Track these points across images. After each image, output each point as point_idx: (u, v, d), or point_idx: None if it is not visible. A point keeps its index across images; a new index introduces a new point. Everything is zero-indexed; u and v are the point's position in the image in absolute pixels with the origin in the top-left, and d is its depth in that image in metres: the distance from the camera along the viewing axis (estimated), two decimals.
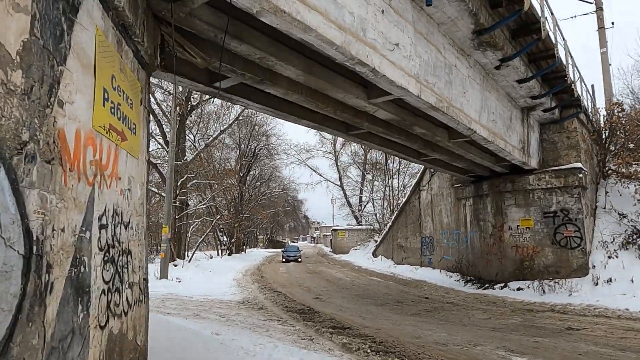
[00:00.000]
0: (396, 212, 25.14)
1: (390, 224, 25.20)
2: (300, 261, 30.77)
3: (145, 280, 4.40)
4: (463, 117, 9.15)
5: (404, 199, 24.05)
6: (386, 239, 25.54)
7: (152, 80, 6.23)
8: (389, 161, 34.31)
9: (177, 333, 6.42)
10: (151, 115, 21.82)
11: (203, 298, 12.03)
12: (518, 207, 13.76)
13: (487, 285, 13.87)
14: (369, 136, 11.21)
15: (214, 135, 25.24)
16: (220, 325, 8.09)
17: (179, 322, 8.04)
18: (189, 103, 20.97)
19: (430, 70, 7.87)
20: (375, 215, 33.75)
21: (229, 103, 27.78)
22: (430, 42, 7.89)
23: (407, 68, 7.08)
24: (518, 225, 13.66)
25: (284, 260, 31.11)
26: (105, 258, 3.08)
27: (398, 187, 33.08)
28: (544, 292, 11.70)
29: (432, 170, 18.69)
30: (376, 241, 29.31)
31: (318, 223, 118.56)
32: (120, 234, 3.44)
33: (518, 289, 12.54)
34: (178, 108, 20.48)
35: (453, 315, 9.54)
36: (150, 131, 24.71)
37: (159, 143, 22.73)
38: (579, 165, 13.18)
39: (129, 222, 3.72)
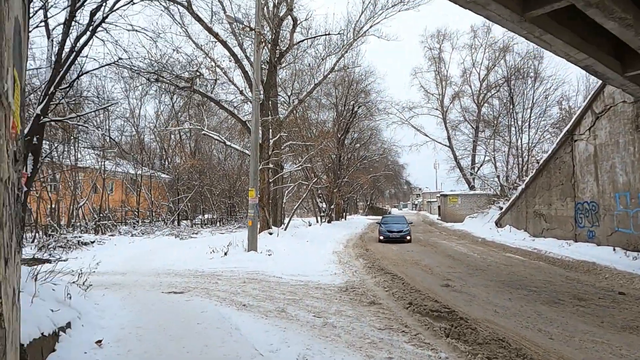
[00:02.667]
0: (532, 172, 20.05)
1: (522, 187, 20.23)
2: (409, 240, 19.16)
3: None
4: None
5: (544, 156, 18.88)
6: (516, 205, 20.67)
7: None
8: (514, 111, 28.40)
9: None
10: (239, 69, 19.66)
11: (295, 280, 9.33)
12: None
13: None
14: None
15: (309, 89, 22.39)
16: (312, 337, 5.15)
17: (249, 327, 5.28)
18: (277, 48, 18.20)
19: None
20: (498, 177, 28.45)
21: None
22: None
23: None
24: None
25: (382, 238, 19.43)
26: None
27: (529, 143, 27.20)
28: None
29: (597, 111, 13.49)
30: (500, 208, 24.43)
31: (419, 189, 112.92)
32: None
33: None
34: (266, 52, 17.87)
35: None
36: (242, 89, 22.86)
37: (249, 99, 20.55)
38: None
39: None
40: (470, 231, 24.47)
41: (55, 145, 20.39)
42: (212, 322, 5.52)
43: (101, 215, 22.86)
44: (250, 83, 19.44)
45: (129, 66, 8.63)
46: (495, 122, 32.74)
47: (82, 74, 6.72)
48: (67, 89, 6.52)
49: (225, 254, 12.27)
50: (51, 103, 6.38)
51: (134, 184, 28.88)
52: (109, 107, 28.28)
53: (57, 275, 5.94)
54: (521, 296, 7.81)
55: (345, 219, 44.99)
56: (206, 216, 33.97)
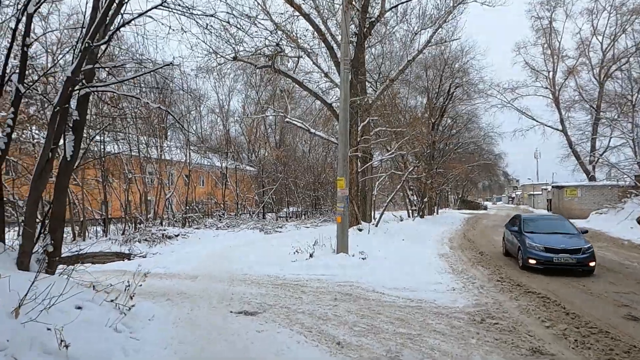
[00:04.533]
0: None
1: None
2: (591, 269, 9.21)
3: None
4: None
5: None
6: None
7: None
8: None
9: None
10: (324, 46, 17.65)
11: (402, 298, 6.98)
12: None
13: None
14: None
15: (402, 67, 19.68)
16: None
17: None
18: (367, 15, 15.78)
19: None
20: (639, 164, 23.08)
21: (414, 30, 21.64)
22: None
23: None
24: None
25: (532, 262, 9.42)
26: None
27: None
28: None
29: None
30: None
31: (516, 181, 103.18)
32: None
33: None
34: (352, 29, 15.59)
35: None
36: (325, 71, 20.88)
37: (333, 82, 18.51)
38: None
39: None
40: (603, 230, 19.94)
41: (136, 136, 20.30)
42: None
43: (187, 207, 22.58)
44: (335, 61, 17.35)
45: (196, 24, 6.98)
46: (627, 99, 26.88)
47: (123, 25, 4.98)
48: (106, 43, 4.83)
49: (311, 255, 10.31)
50: (89, 66, 4.72)
51: (220, 176, 28.63)
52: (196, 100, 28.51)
53: (102, 287, 4.30)
54: None
55: (437, 213, 41.34)
56: (291, 209, 32.92)
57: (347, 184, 10.54)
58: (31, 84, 5.40)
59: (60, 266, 5.86)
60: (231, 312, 5.96)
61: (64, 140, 5.64)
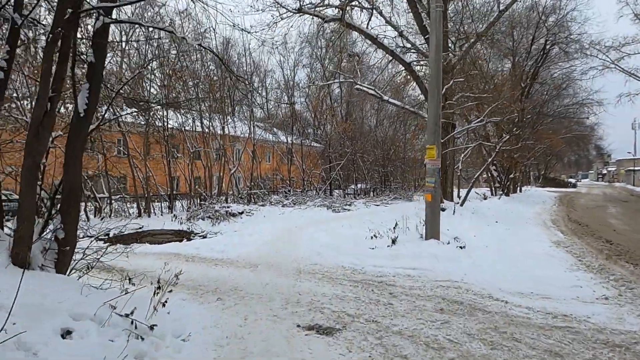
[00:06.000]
0: None
1: None
2: None
3: None
4: None
5: None
6: None
7: None
8: None
9: None
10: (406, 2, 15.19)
11: (538, 312, 4.84)
12: None
13: None
14: None
15: (492, 20, 16.61)
16: None
17: None
18: None
19: None
20: None
21: None
22: None
23: None
24: None
25: None
26: None
27: None
28: None
29: None
30: None
31: (608, 156, 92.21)
32: None
33: None
34: None
35: None
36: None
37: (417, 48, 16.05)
38: None
39: None
40: None
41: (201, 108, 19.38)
42: None
43: (252, 184, 21.59)
44: (415, 11, 14.87)
45: None
46: None
47: None
48: None
49: (394, 242, 8.43)
50: None
51: (285, 151, 27.44)
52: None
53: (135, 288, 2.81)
54: None
55: (521, 191, 37.32)
56: (359, 185, 31.09)
57: (438, 153, 8.42)
58: (29, 12, 3.94)
59: (80, 261, 4.54)
60: (298, 326, 4.29)
61: (75, 92, 4.21)
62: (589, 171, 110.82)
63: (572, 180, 73.87)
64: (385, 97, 18.35)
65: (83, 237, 10.39)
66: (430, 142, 8.47)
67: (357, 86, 18.06)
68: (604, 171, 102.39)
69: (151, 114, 16.95)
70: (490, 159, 16.01)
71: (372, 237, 9.18)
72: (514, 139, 21.23)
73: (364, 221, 13.61)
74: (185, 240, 11.02)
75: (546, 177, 66.65)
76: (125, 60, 18.06)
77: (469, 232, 9.94)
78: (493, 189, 26.38)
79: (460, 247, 7.94)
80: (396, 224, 9.97)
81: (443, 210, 14.38)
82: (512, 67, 27.83)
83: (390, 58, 17.00)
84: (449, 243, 8.14)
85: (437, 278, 6.24)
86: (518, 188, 36.46)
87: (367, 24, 14.11)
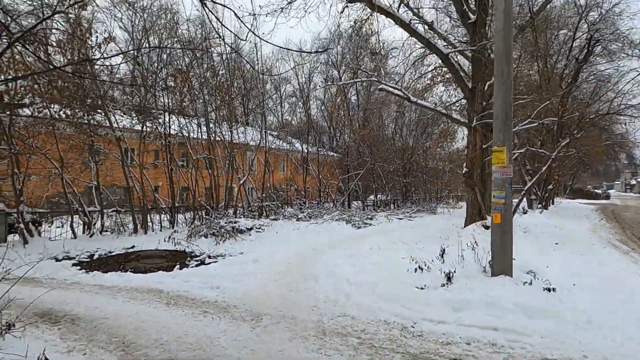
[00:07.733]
0: None
1: None
2: None
3: None
4: None
5: None
6: None
7: None
8: None
9: None
10: None
11: None
12: None
13: None
14: None
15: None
16: None
17: None
18: None
19: None
20: None
21: None
22: None
23: None
24: None
25: None
26: None
27: None
28: None
29: None
30: None
31: (636, 165, 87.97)
32: None
33: None
34: None
35: None
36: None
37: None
38: None
39: None
40: None
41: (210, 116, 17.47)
42: None
43: (264, 195, 19.48)
44: None
45: None
46: None
47: None
48: None
49: (449, 278, 6.14)
50: None
51: (300, 160, 25.36)
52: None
53: None
54: None
55: (553, 203, 34.46)
56: (378, 197, 28.78)
57: (510, 156, 6.16)
58: None
59: None
60: None
61: None
62: (615, 181, 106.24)
63: (599, 191, 70.09)
64: (413, 98, 16.08)
65: (43, 259, 8.44)
66: (498, 142, 6.22)
67: (382, 86, 15.86)
68: (633, 181, 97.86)
69: (150, 118, 15.11)
70: (545, 167, 13.52)
71: (415, 270, 6.91)
72: (551, 146, 18.77)
73: (394, 241, 11.39)
74: (178, 267, 8.88)
75: (572, 188, 63.29)
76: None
77: (536, 260, 7.60)
78: (530, 200, 23.79)
79: (548, 290, 5.61)
80: (444, 251, 7.69)
81: (487, 228, 12.09)
82: (542, 67, 25.38)
83: (421, 52, 14.84)
84: (530, 283, 5.79)
85: (541, 351, 3.96)
86: (552, 200, 33.66)
87: (398, 8, 11.96)
